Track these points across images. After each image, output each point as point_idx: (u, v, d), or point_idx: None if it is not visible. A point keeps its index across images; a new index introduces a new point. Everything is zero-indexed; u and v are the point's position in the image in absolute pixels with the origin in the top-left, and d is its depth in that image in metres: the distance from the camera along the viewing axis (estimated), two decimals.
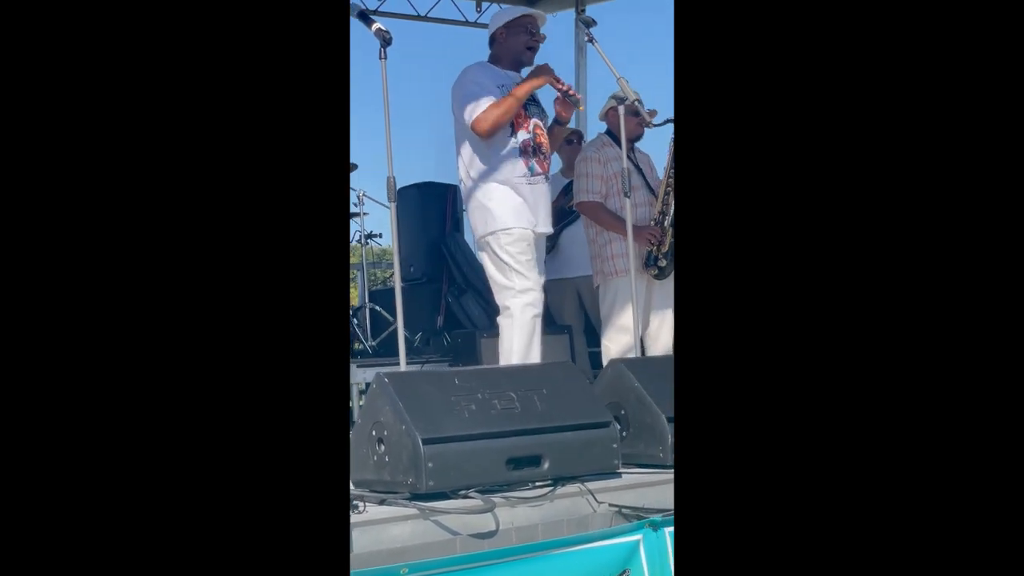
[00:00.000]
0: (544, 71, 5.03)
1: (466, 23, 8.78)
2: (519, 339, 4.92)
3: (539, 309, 4.99)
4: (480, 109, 4.90)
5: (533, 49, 5.13)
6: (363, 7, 4.91)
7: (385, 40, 4.56)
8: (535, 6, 9.12)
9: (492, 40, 5.13)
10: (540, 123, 5.12)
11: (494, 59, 5.13)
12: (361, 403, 6.43)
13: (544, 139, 5.09)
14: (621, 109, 5.05)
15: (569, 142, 6.45)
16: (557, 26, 9.13)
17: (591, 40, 4.86)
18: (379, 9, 8.36)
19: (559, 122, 5.18)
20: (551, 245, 6.26)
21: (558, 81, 5.02)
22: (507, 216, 4.98)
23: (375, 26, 4.60)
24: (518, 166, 4.99)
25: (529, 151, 5.05)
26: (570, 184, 6.17)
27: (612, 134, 5.62)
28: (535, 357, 4.90)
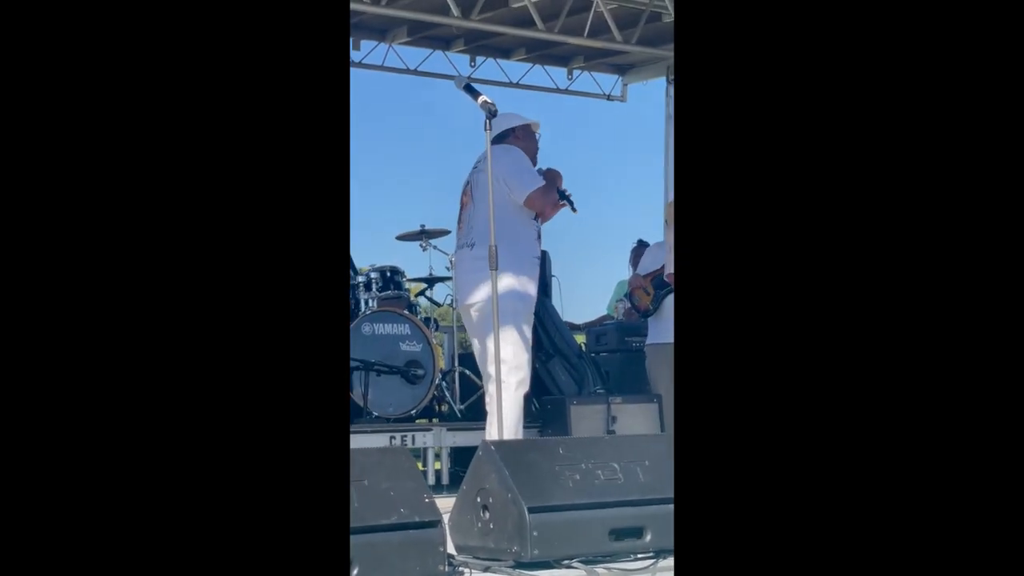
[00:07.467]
0: (557, 178, 5.32)
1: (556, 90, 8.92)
2: None
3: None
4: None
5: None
6: (468, 80, 5.04)
7: (491, 112, 4.68)
8: (625, 75, 9.25)
9: (507, 133, 5.31)
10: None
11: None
12: (437, 466, 6.47)
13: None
14: None
15: None
16: (649, 93, 9.23)
17: None
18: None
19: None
20: (654, 308, 6.25)
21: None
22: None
23: (481, 98, 4.72)
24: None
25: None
26: None
27: None
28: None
